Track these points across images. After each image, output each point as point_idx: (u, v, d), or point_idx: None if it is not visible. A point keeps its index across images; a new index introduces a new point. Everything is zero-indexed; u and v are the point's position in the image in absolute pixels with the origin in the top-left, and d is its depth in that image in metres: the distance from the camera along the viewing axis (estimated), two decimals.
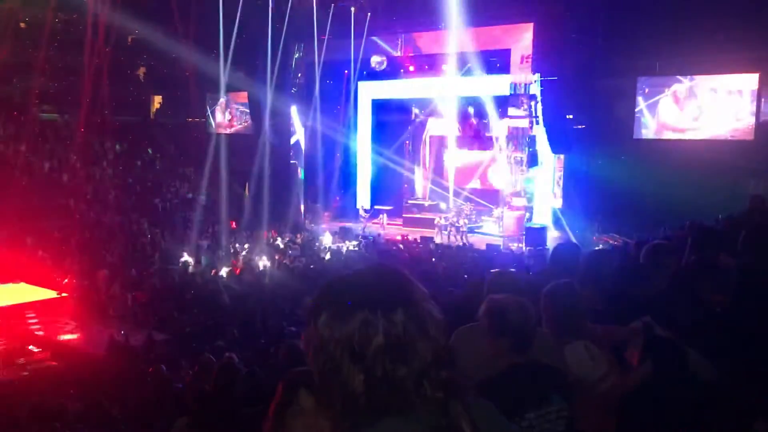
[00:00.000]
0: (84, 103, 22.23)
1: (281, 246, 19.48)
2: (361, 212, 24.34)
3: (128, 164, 24.30)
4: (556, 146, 19.68)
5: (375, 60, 23.29)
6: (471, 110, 23.20)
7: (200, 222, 20.93)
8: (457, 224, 21.07)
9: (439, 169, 24.94)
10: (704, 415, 2.74)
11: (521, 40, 20.23)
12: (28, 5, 21.47)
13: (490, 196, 22.99)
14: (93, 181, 22.53)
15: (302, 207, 24.77)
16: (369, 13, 22.14)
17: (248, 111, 25.70)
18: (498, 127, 21.84)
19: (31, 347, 11.86)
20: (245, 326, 10.56)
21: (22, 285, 15.21)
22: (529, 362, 2.51)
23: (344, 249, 19.26)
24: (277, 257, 17.77)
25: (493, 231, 21.46)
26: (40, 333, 12.91)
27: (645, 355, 2.88)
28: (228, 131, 26.33)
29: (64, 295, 14.60)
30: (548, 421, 2.37)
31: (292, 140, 24.79)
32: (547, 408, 2.38)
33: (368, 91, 24.85)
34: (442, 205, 23.52)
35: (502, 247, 19.05)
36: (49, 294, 14.66)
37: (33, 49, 21.97)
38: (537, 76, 19.41)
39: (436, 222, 21.79)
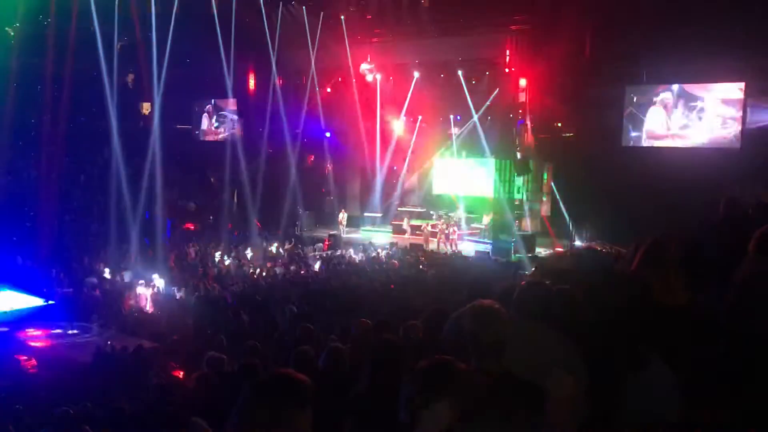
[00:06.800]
0: (71, 110, 22.07)
1: (273, 253, 19.42)
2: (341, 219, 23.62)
3: (116, 172, 24.08)
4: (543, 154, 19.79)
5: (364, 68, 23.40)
6: None
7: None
8: (446, 231, 21.05)
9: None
10: None
11: None
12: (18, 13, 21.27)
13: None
14: (80, 188, 22.32)
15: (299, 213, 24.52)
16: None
17: (237, 118, 25.54)
18: None
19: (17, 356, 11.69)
20: (234, 334, 10.45)
21: (8, 292, 15.03)
22: None
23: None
24: (268, 264, 17.68)
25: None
26: (27, 341, 12.73)
27: None
28: (216, 138, 26.19)
29: (50, 302, 14.45)
30: None
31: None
32: None
33: None
34: (432, 213, 23.56)
35: (491, 254, 19.02)
36: (36, 301, 14.51)
37: (23, 56, 21.75)
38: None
39: (423, 229, 21.74)
